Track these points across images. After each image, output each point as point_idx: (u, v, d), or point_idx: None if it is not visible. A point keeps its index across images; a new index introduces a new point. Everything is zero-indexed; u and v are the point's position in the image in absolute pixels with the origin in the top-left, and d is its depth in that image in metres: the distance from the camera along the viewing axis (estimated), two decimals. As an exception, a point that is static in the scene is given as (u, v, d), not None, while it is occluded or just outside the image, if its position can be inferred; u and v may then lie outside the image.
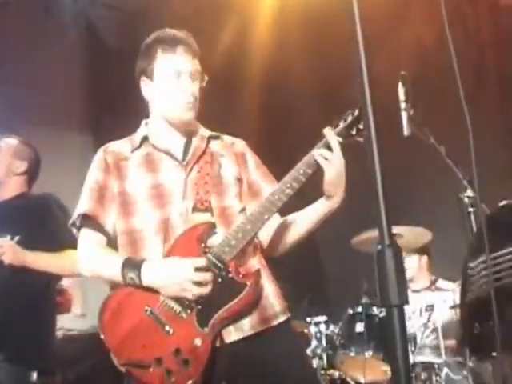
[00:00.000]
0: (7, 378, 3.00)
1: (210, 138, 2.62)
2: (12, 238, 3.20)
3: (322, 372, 4.54)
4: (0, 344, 3.08)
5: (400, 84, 3.17)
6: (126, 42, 6.08)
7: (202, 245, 2.35)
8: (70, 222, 2.54)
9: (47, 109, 6.46)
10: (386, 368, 4.29)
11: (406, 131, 3.10)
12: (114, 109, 6.19)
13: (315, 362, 4.57)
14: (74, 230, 2.55)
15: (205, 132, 2.63)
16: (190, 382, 2.24)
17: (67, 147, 6.55)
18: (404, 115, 3.16)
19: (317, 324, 4.68)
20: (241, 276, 2.34)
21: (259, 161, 2.68)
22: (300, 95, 5.96)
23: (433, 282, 4.79)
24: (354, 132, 2.43)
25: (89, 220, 2.49)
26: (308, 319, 4.72)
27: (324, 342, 4.61)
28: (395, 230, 4.43)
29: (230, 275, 2.32)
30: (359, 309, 4.60)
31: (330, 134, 2.39)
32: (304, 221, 2.53)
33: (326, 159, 2.35)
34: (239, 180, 2.57)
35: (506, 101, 5.69)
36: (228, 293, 2.30)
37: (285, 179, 2.38)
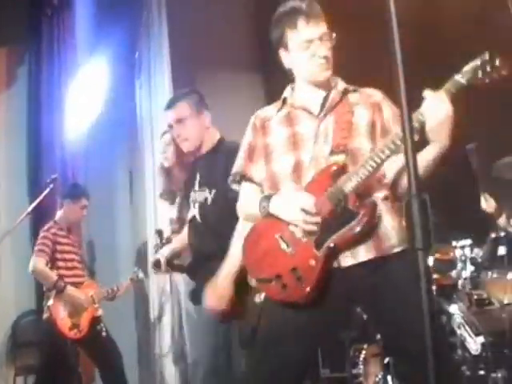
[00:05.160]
0: None
1: (346, 90, 2.88)
2: (210, 192, 3.59)
3: (468, 292, 4.78)
4: None
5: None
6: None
7: (332, 182, 2.66)
8: (230, 179, 3.01)
9: (220, 53, 6.93)
10: (527, 289, 4.46)
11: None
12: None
13: (460, 283, 4.81)
14: (234, 185, 3.01)
15: (342, 86, 2.90)
16: (306, 291, 2.62)
17: (239, 87, 7.02)
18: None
19: (462, 247, 4.86)
20: (356, 207, 2.62)
21: (395, 109, 2.79)
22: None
23: None
24: (480, 75, 2.54)
25: (243, 176, 2.97)
26: (454, 243, 4.92)
27: (468, 265, 4.81)
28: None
29: (348, 206, 2.62)
30: (502, 233, 4.78)
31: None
32: (421, 161, 2.75)
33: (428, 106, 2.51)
34: (372, 124, 2.80)
35: None
36: (343, 221, 2.61)
37: None
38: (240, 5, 7.27)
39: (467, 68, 2.56)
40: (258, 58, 7.20)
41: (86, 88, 6.80)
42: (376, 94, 2.89)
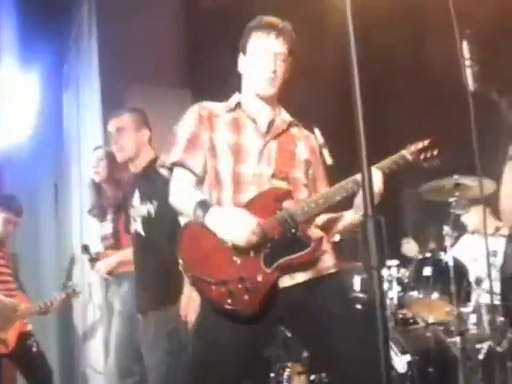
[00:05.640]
0: None
1: (291, 123, 2.97)
2: (152, 204, 3.65)
3: (394, 311, 4.90)
4: None
5: (465, 42, 3.44)
6: (220, 1, 6.44)
7: (278, 205, 2.72)
8: (160, 163, 2.89)
9: (150, 68, 6.92)
10: (450, 309, 4.60)
11: (471, 87, 3.38)
12: (209, 64, 6.56)
13: (387, 303, 4.91)
14: (165, 172, 2.89)
15: (286, 117, 2.99)
16: (255, 305, 2.61)
17: (167, 100, 7.01)
18: (468, 72, 3.43)
19: (389, 267, 4.99)
20: (307, 237, 2.70)
21: (324, 168, 3.06)
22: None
23: (498, 229, 5.01)
24: (422, 157, 2.75)
25: (180, 164, 2.84)
26: (381, 263, 5.01)
27: (395, 285, 4.94)
28: (463, 180, 4.62)
29: (299, 234, 2.68)
30: (427, 254, 4.93)
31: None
32: (343, 221, 2.93)
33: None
34: (308, 162, 2.94)
35: None
36: (294, 247, 2.66)
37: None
38: (171, 21, 7.26)
39: (413, 148, 2.74)
40: (188, 73, 7.21)
41: (12, 99, 6.67)
42: (313, 140, 3.07)
